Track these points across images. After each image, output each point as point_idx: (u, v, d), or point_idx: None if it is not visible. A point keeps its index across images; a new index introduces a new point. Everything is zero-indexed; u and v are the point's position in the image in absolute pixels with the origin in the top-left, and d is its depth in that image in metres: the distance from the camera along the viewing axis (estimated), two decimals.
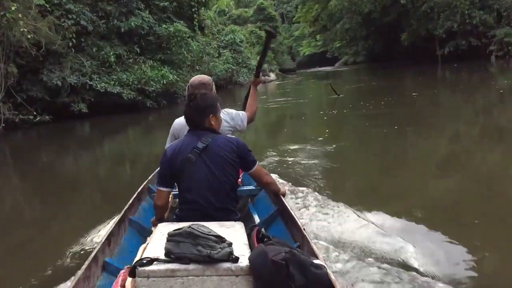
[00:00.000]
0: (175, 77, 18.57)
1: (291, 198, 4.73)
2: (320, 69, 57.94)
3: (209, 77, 3.65)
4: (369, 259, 3.30)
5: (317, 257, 2.13)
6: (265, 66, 34.60)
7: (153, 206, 2.91)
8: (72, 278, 2.29)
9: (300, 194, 4.93)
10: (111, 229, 2.83)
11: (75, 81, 15.93)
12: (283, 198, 3.16)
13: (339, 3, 33.57)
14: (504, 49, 30.62)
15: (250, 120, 3.63)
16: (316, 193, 4.94)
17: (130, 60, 18.12)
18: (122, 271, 2.24)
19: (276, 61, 46.32)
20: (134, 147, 11.85)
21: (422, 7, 33.35)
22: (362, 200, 4.85)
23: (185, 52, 20.20)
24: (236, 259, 1.89)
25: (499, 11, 31.26)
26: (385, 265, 3.17)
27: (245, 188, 3.92)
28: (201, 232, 1.91)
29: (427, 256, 3.33)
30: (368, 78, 28.94)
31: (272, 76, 37.13)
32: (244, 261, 1.90)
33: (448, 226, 3.92)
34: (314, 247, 2.32)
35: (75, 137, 14.32)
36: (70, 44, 16.04)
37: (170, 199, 3.15)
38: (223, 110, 3.35)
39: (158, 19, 19.48)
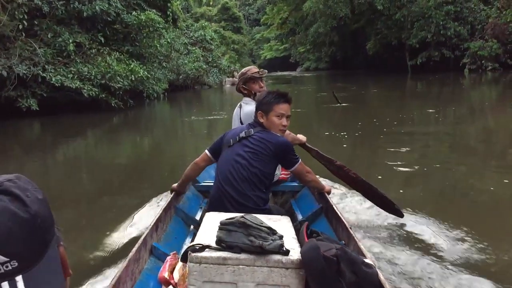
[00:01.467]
0: (146, 73, 15.62)
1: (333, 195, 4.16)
2: (282, 73, 56.19)
3: (243, 71, 3.72)
4: (415, 262, 3.14)
5: (365, 256, 2.04)
6: (232, 67, 31.90)
7: (193, 162, 3.07)
8: (123, 259, 2.35)
9: (342, 194, 4.68)
10: (158, 215, 2.79)
11: (24, 71, 12.66)
12: (327, 196, 3.11)
13: (314, 5, 31.36)
14: (477, 62, 29.58)
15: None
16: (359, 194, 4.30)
17: (93, 51, 15.01)
18: (169, 257, 2.33)
19: (240, 64, 43.70)
20: (94, 153, 9.44)
21: (396, 15, 31.84)
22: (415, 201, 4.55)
23: (158, 45, 17.29)
24: (287, 252, 1.86)
25: (473, 24, 30.24)
26: (434, 271, 2.99)
27: (288, 184, 3.83)
28: (254, 223, 1.89)
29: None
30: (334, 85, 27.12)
31: None
32: (294, 254, 1.87)
33: None
34: (362, 246, 2.21)
35: (21, 139, 11.26)
36: (21, 26, 12.76)
37: None
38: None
39: (126, 6, 16.43)
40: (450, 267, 3.08)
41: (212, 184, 3.21)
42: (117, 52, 15.66)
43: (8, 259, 0.65)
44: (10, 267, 0.66)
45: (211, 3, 51.79)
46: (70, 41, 14.08)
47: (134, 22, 16.04)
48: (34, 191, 0.73)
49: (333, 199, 3.38)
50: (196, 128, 12.08)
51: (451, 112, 12.37)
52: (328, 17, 32.28)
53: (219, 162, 2.85)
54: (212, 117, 13.55)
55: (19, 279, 0.67)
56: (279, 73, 56.60)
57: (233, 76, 31.86)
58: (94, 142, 11.13)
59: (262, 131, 2.80)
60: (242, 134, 2.80)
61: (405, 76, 31.81)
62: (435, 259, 3.21)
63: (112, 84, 14.27)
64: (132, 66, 14.96)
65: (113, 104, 14.61)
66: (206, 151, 3.01)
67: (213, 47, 28.48)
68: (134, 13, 16.25)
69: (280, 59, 65.12)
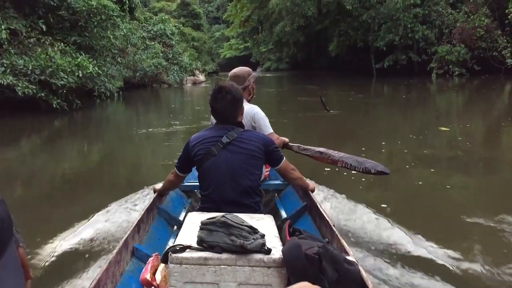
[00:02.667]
0: (96, 69, 12.96)
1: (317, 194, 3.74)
2: None
3: (249, 69, 3.53)
4: (396, 260, 3.22)
5: (348, 254, 2.02)
6: (193, 65, 29.16)
7: (165, 181, 2.93)
8: (103, 261, 2.39)
9: (326, 193, 4.58)
10: (140, 216, 2.69)
11: None
12: (311, 194, 3.06)
13: (281, 2, 29.26)
14: (444, 67, 28.53)
15: None
16: (341, 194, 4.58)
17: (31, 40, 12.29)
18: (151, 258, 2.23)
19: (200, 62, 41.19)
20: (30, 164, 7.60)
21: (363, 16, 30.31)
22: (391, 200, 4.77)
23: (111, 37, 14.62)
24: (268, 251, 1.83)
25: (440, 27, 29.15)
26: (413, 269, 3.08)
27: (272, 182, 3.74)
28: (235, 222, 1.85)
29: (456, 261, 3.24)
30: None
31: (202, 77, 31.93)
32: (276, 253, 1.84)
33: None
34: (345, 244, 2.18)
35: None
36: None
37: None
38: (253, 106, 3.33)
39: None
40: (425, 269, 3.09)
41: (196, 183, 3.19)
42: (62, 43, 12.97)
43: None
44: None
45: None
46: (3, 27, 11.32)
47: (83, 8, 13.40)
48: None
49: (317, 198, 3.14)
50: (154, 138, 9.72)
51: (420, 119, 11.64)
52: (295, 16, 30.28)
53: (205, 174, 2.54)
54: (174, 128, 11.14)
55: None
56: None
57: (193, 75, 29.28)
58: (29, 151, 8.66)
59: (244, 131, 2.59)
60: (225, 139, 2.50)
61: (370, 79, 30.47)
62: (413, 260, 3.22)
63: (53, 81, 11.59)
64: (79, 60, 12.30)
65: (54, 105, 11.91)
66: (177, 171, 2.77)
67: (173, 42, 25.76)
68: None
69: (240, 58, 62.80)
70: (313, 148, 3.54)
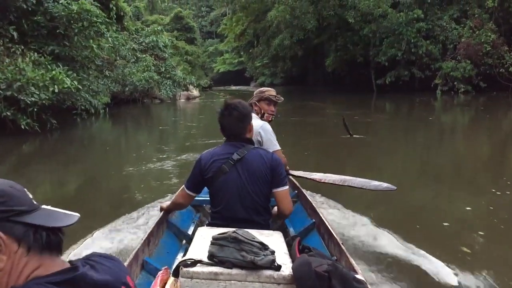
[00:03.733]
0: (75, 83, 10.88)
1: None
2: (238, 88, 52.53)
3: (262, 89, 3.59)
4: (404, 278, 3.15)
5: (356, 272, 1.96)
6: (187, 79, 26.97)
7: (173, 201, 2.85)
8: None
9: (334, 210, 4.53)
10: (150, 229, 2.65)
11: None
12: (319, 211, 3.06)
13: (280, 15, 27.47)
14: (449, 83, 26.89)
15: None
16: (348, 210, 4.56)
17: None
18: (160, 272, 2.17)
19: (194, 76, 39.34)
20: None
21: (364, 30, 28.64)
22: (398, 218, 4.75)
23: (94, 46, 12.58)
24: (278, 267, 1.81)
25: (444, 43, 27.57)
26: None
27: None
28: (246, 238, 1.83)
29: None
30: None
31: (196, 92, 29.92)
32: (286, 270, 1.82)
33: None
34: (353, 262, 2.13)
35: None
36: None
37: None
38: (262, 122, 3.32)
39: None
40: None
41: (205, 198, 3.16)
42: (36, 53, 10.91)
43: None
44: None
45: (163, 5, 46.82)
46: None
47: (63, 13, 11.40)
48: None
49: (325, 214, 3.04)
50: (141, 164, 7.67)
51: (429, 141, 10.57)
52: (295, 29, 28.51)
53: (216, 191, 2.53)
54: (166, 153, 9.09)
55: None
56: (234, 88, 52.91)
57: (187, 90, 27.31)
58: None
59: (254, 149, 2.55)
60: (236, 156, 2.48)
61: (370, 96, 28.74)
62: (421, 279, 3.17)
63: (22, 97, 9.51)
64: (54, 72, 10.22)
65: (23, 126, 9.82)
66: (186, 190, 2.65)
67: (166, 55, 23.74)
68: (63, 1, 11.58)
69: (233, 73, 61.16)
70: (314, 173, 3.54)
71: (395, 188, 3.06)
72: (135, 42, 22.15)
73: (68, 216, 0.91)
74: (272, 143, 3.22)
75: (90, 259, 0.95)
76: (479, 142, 10.34)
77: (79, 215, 0.92)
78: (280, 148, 3.26)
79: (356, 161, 8.14)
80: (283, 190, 2.55)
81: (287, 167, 3.46)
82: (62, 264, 0.90)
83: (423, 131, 12.21)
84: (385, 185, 3.12)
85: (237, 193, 2.46)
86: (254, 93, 3.57)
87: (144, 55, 21.42)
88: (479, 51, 25.97)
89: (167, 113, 19.90)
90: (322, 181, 3.49)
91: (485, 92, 25.45)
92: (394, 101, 25.58)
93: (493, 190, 5.78)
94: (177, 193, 2.86)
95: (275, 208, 2.75)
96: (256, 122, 3.07)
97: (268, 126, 3.29)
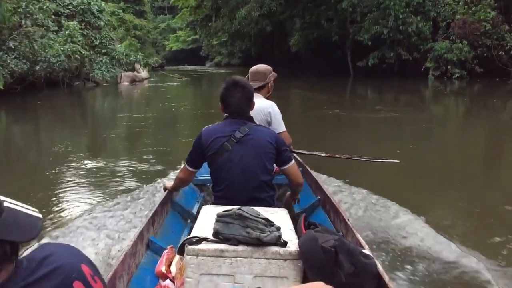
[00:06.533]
0: None
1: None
2: (191, 67, 46.45)
3: (270, 67, 3.23)
4: (411, 256, 3.00)
5: (363, 248, 1.89)
6: (132, 57, 20.31)
7: (176, 177, 2.75)
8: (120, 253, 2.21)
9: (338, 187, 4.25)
10: (154, 209, 2.56)
11: None
12: (324, 188, 2.97)
13: None
14: (441, 67, 22.22)
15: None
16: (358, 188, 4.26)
17: None
18: (166, 251, 2.16)
19: (143, 54, 32.66)
20: None
21: (343, 3, 23.23)
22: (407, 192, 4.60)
23: None
24: (284, 243, 1.73)
25: (435, 20, 22.74)
26: (427, 265, 2.88)
27: (284, 177, 3.08)
28: (251, 215, 1.75)
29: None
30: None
31: (144, 73, 23.33)
32: (292, 246, 1.74)
33: None
34: (360, 238, 2.05)
35: None
36: None
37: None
38: (270, 102, 3.12)
39: None
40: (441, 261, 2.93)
41: (208, 177, 2.84)
42: None
43: None
44: None
45: None
46: None
47: None
48: None
49: (330, 191, 2.95)
50: None
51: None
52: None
53: (218, 170, 2.39)
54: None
55: None
56: (189, 67, 46.67)
57: (133, 70, 20.88)
58: None
59: (257, 127, 2.44)
60: (238, 134, 2.34)
61: (345, 81, 23.69)
62: (428, 256, 3.01)
63: None
64: None
65: None
66: (186, 165, 2.55)
67: (102, 23, 17.09)
68: None
69: (187, 51, 54.50)
70: (318, 152, 3.52)
71: (399, 161, 3.04)
72: (59, 4, 15.44)
73: (31, 222, 0.81)
74: (280, 124, 3.08)
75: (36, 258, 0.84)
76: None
77: (41, 216, 0.82)
78: (286, 129, 3.11)
79: None
80: (291, 164, 2.46)
81: (291, 147, 3.18)
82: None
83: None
84: (389, 159, 3.10)
85: (241, 171, 2.31)
86: (265, 70, 3.16)
87: (70, 22, 14.81)
88: (476, 30, 21.43)
89: (101, 103, 13.67)
90: (324, 155, 3.39)
91: (481, 77, 21.02)
92: (376, 87, 20.82)
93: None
94: (179, 170, 2.73)
95: (287, 194, 2.78)
96: (265, 102, 3.06)
97: (276, 107, 3.10)
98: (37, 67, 12.38)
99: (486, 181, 5.68)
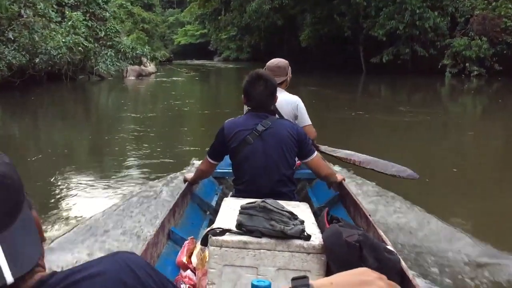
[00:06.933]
0: None
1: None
2: (199, 62, 45.66)
3: (287, 61, 3.19)
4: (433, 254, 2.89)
5: (386, 243, 1.85)
6: (139, 50, 19.39)
7: (197, 169, 2.77)
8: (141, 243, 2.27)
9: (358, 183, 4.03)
10: (175, 200, 2.57)
11: None
12: (345, 183, 2.85)
13: None
14: (459, 65, 21.23)
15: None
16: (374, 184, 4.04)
17: None
18: (186, 241, 2.15)
19: (151, 47, 31.86)
20: None
21: None
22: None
23: None
24: (308, 237, 1.69)
25: (453, 15, 21.72)
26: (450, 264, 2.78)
27: (304, 171, 3.29)
28: (275, 207, 1.71)
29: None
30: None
31: (151, 67, 22.49)
32: (316, 240, 1.70)
33: None
34: (382, 234, 2.00)
35: None
36: None
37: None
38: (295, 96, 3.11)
39: None
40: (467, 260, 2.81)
41: (227, 170, 3.06)
42: None
43: None
44: None
45: None
46: None
47: None
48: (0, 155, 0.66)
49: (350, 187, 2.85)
50: None
51: None
52: None
53: (240, 163, 2.37)
54: None
55: None
56: (197, 62, 45.85)
57: (140, 64, 20.06)
58: None
59: (279, 120, 2.43)
60: (260, 128, 2.31)
61: (357, 78, 22.74)
62: (449, 255, 2.89)
63: None
64: None
65: None
66: (208, 158, 2.54)
67: (107, 14, 16.26)
68: None
69: (195, 45, 53.51)
70: (340, 150, 3.31)
71: (418, 176, 2.81)
72: None
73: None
74: (306, 118, 3.09)
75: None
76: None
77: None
78: (311, 123, 3.12)
79: None
80: (314, 157, 2.43)
81: (315, 141, 3.16)
82: None
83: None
84: (408, 171, 2.84)
85: (262, 165, 2.30)
86: (285, 64, 3.13)
87: (73, 12, 14.00)
88: (496, 26, 20.43)
89: (103, 99, 12.84)
90: (346, 160, 3.23)
91: (500, 75, 20.01)
92: (391, 84, 19.89)
93: None
94: (201, 162, 2.72)
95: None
96: (291, 96, 3.08)
97: (301, 101, 3.10)
98: (37, 60, 11.60)
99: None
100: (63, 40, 12.17)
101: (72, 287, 0.66)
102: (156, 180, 4.34)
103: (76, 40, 12.71)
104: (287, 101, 2.95)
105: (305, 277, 0.67)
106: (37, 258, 0.65)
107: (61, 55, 12.11)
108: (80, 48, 13.08)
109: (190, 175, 2.86)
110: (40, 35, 11.52)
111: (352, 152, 3.25)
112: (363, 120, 9.36)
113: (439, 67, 21.33)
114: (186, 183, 2.83)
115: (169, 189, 3.83)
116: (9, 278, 0.58)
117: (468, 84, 20.09)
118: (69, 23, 13.27)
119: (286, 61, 3.17)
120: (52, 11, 13.49)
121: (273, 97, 2.42)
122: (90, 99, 12.43)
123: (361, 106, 12.25)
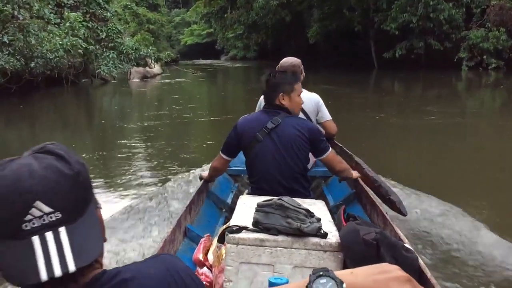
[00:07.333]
0: None
1: None
2: (206, 62, 44.99)
3: (299, 60, 3.18)
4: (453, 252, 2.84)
5: (403, 242, 1.81)
6: (143, 51, 18.45)
7: (211, 166, 2.70)
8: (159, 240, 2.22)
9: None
10: (191, 198, 2.56)
11: None
12: (361, 181, 2.78)
13: None
14: (476, 58, 20.21)
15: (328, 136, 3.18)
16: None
17: None
18: (203, 239, 2.16)
19: (157, 48, 31.14)
20: None
21: None
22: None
23: None
24: (325, 235, 1.67)
25: (469, 6, 20.67)
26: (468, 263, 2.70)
27: (319, 169, 3.29)
28: (291, 205, 1.69)
29: None
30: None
31: (156, 68, 21.66)
32: (332, 237, 1.68)
33: None
34: (399, 232, 1.94)
35: None
36: None
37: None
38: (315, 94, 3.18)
39: None
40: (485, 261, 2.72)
41: (242, 168, 3.05)
42: None
43: (52, 210, 0.63)
44: (54, 218, 0.63)
45: None
46: None
47: None
48: (74, 155, 0.70)
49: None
50: None
51: None
52: None
53: (252, 161, 2.39)
54: None
55: (62, 230, 0.63)
56: (203, 62, 45.16)
57: (145, 65, 19.29)
58: None
59: (288, 117, 2.37)
60: (270, 125, 2.32)
61: (368, 74, 21.80)
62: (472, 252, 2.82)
63: None
64: None
65: None
66: (222, 154, 2.51)
67: (108, 14, 15.46)
68: None
69: (202, 45, 52.83)
70: (352, 154, 3.23)
71: (406, 214, 2.62)
72: None
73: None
74: (327, 114, 3.18)
75: None
76: None
77: None
78: (331, 118, 3.22)
79: None
80: (328, 154, 2.39)
81: (335, 136, 3.37)
82: None
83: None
84: (402, 205, 2.60)
85: (274, 162, 2.29)
86: (299, 63, 3.12)
87: (72, 13, 13.23)
88: None
89: (103, 104, 11.99)
90: (357, 165, 3.02)
91: None
92: (404, 80, 18.89)
93: None
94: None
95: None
96: (312, 93, 3.14)
97: (320, 98, 3.20)
98: (32, 64, 10.85)
99: None
100: (60, 42, 11.42)
101: (122, 285, 0.69)
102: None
103: (74, 42, 11.93)
104: (309, 99, 3.01)
105: (325, 269, 0.69)
106: (97, 253, 0.68)
107: (58, 58, 11.36)
108: (80, 50, 12.32)
109: (206, 173, 2.84)
110: (37, 37, 10.79)
111: (361, 160, 3.10)
112: (383, 123, 8.48)
113: (455, 60, 20.33)
114: (202, 180, 2.82)
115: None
116: (71, 267, 0.61)
117: (486, 77, 19.10)
118: (67, 24, 12.53)
119: (299, 60, 3.12)
120: (51, 12, 12.77)
121: (276, 94, 2.38)
122: (91, 104, 11.64)
123: (379, 106, 11.37)
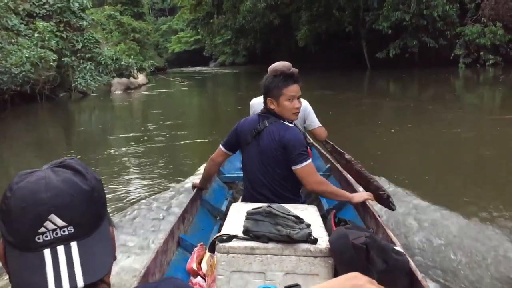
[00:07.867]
0: None
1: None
2: (194, 69, 44.01)
3: (290, 64, 2.85)
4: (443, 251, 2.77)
5: (395, 244, 1.76)
6: (124, 61, 17.14)
7: (209, 158, 2.58)
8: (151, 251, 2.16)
9: None
10: (185, 207, 2.47)
11: None
12: (354, 185, 2.79)
13: None
14: (472, 54, 19.34)
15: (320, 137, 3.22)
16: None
17: None
18: (196, 248, 2.12)
19: (143, 57, 30.01)
20: None
21: None
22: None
23: None
24: (315, 241, 1.65)
25: (463, 1, 19.82)
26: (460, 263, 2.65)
27: None
28: (280, 212, 1.68)
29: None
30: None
31: (141, 78, 20.43)
32: (322, 243, 1.66)
33: None
34: (391, 234, 1.91)
35: None
36: None
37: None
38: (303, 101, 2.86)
39: None
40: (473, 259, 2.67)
41: (236, 175, 3.09)
42: None
43: (66, 224, 0.63)
44: (66, 232, 0.63)
45: None
46: None
47: None
48: (92, 171, 0.71)
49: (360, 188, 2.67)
50: None
51: None
52: None
53: (244, 164, 2.40)
54: None
55: (73, 244, 0.63)
56: (192, 69, 44.10)
57: (129, 76, 18.07)
58: None
59: (274, 122, 2.29)
60: (258, 128, 2.28)
61: (361, 75, 20.87)
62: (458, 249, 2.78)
63: None
64: None
65: None
66: (221, 146, 2.47)
67: (84, 23, 14.21)
68: None
69: (190, 52, 51.76)
70: (343, 152, 3.02)
71: (395, 209, 2.56)
72: (33, 3, 12.71)
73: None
74: (315, 120, 3.14)
75: None
76: None
77: None
78: (321, 124, 3.17)
79: None
80: (302, 166, 2.17)
81: (326, 139, 3.23)
82: None
83: None
84: (391, 202, 2.48)
85: (259, 166, 2.26)
86: (289, 67, 2.81)
87: (43, 22, 12.01)
88: (510, 10, 18.55)
89: (80, 120, 10.79)
90: (348, 163, 2.91)
91: None
92: (399, 80, 18.00)
93: None
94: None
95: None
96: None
97: (309, 105, 3.15)
98: (3, 78, 9.61)
99: None
100: (27, 55, 10.25)
101: None
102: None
103: (43, 55, 10.75)
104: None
105: (297, 285, 0.67)
106: (106, 270, 0.67)
107: (24, 72, 10.18)
108: (51, 63, 11.13)
109: (198, 181, 2.74)
110: (2, 50, 9.60)
111: (351, 158, 2.91)
112: (384, 134, 7.43)
113: (451, 58, 19.44)
114: (195, 189, 2.74)
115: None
116: (80, 283, 0.61)
117: (484, 74, 18.24)
118: (36, 35, 11.34)
119: (290, 64, 2.91)
120: (21, 23, 11.60)
121: (265, 97, 2.32)
122: (64, 121, 10.43)
123: (373, 112, 10.35)
